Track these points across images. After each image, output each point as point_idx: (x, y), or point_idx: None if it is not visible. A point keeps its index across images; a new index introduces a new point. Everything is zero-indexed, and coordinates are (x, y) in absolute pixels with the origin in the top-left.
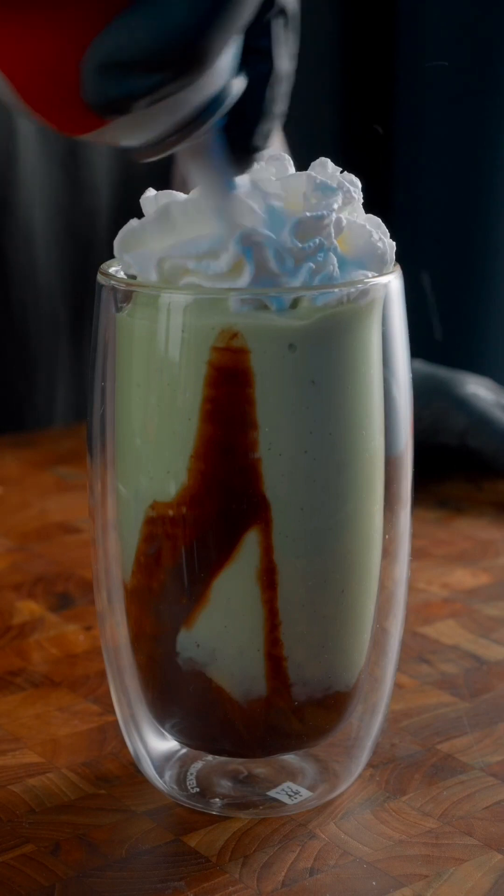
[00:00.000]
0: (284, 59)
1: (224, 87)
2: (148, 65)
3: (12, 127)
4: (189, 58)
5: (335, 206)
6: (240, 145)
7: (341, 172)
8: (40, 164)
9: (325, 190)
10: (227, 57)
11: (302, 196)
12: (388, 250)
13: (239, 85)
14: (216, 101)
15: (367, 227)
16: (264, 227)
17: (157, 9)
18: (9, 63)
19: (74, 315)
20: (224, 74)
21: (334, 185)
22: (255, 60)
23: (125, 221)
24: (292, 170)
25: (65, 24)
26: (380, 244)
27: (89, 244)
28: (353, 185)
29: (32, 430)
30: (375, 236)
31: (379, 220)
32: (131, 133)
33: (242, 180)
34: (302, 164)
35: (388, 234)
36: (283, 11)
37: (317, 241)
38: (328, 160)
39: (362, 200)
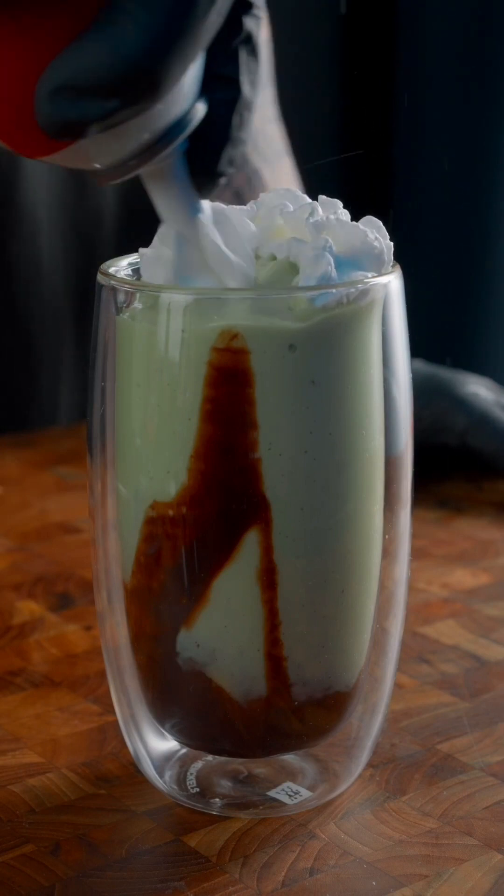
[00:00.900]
0: (249, 86)
1: (186, 111)
2: (100, 90)
3: None
4: (141, 85)
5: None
6: (203, 169)
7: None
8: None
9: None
10: (189, 82)
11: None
12: (385, 250)
13: (201, 110)
14: (178, 125)
15: (361, 227)
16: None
17: (111, 35)
18: None
19: (79, 314)
20: (186, 99)
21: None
22: (220, 86)
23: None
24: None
25: (21, 49)
26: (376, 244)
27: (94, 243)
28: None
29: (37, 429)
30: (371, 236)
31: (379, 222)
32: (92, 156)
33: (205, 205)
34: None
35: (388, 237)
36: (248, 39)
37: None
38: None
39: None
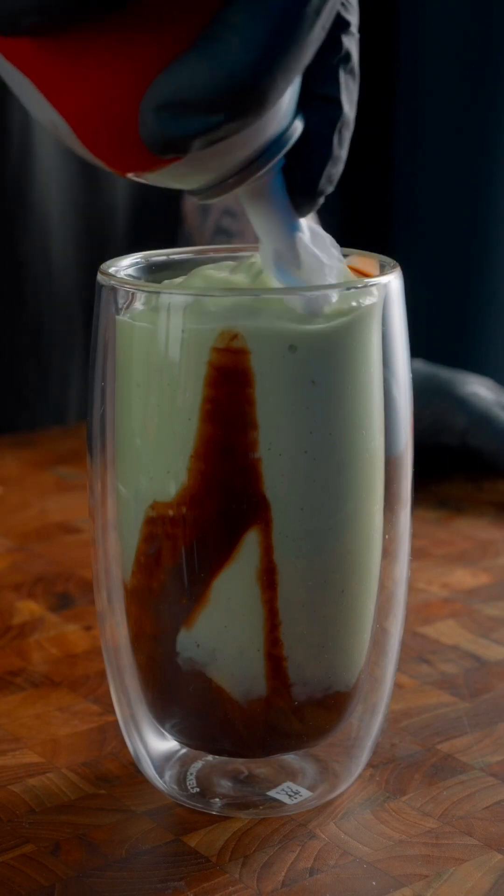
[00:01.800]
0: (349, 105)
1: (284, 129)
2: (206, 105)
3: (28, 122)
4: (247, 100)
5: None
6: (303, 188)
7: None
8: (56, 160)
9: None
10: (287, 100)
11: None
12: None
13: (299, 128)
14: (276, 143)
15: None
16: (325, 273)
17: (215, 51)
18: (66, 104)
19: (89, 314)
20: (284, 117)
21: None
22: (319, 105)
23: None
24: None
25: (124, 66)
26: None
27: (105, 241)
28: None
29: (45, 427)
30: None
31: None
32: (190, 174)
33: (303, 224)
34: None
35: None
36: (347, 58)
37: None
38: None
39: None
